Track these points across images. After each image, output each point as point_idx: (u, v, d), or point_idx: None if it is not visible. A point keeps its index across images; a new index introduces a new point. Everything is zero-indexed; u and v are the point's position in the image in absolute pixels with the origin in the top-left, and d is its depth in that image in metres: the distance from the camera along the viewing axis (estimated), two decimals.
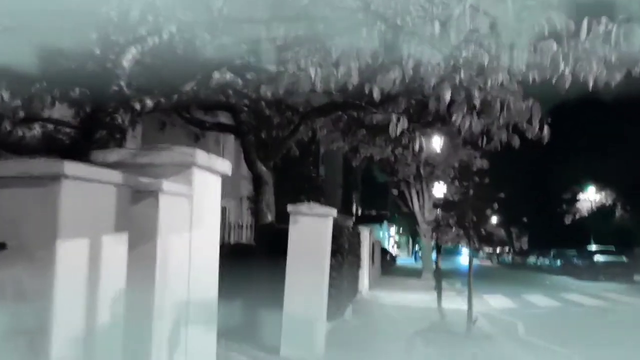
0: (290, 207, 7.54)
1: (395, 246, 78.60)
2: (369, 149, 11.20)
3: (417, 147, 6.84)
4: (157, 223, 2.97)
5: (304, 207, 7.59)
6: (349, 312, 11.42)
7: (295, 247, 7.48)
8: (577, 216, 41.37)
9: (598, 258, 29.87)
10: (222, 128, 8.77)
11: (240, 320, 7.94)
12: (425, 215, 26.28)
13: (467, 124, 5.52)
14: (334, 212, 7.71)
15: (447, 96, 4.86)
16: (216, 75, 4.56)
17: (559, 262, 37.02)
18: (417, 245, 64.99)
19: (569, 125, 45.92)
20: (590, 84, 4.11)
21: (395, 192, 23.67)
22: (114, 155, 3.29)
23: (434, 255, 26.80)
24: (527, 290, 21.23)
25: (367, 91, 6.69)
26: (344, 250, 8.20)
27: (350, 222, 10.54)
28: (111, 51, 4.07)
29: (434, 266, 24.78)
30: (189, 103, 7.31)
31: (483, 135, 9.31)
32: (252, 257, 8.35)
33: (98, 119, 4.09)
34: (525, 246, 57.76)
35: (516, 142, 8.09)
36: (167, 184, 3.07)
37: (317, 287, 7.46)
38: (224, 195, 3.83)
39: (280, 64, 5.00)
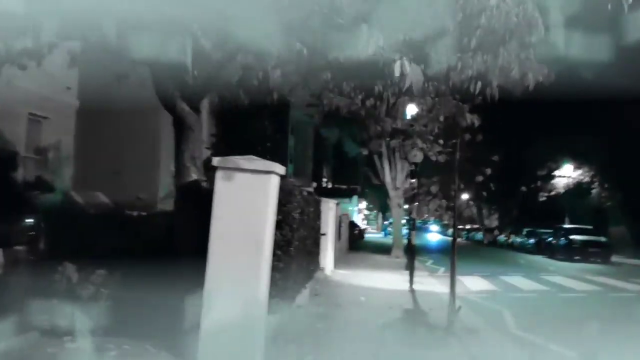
0: (217, 160, 5.40)
1: (365, 220, 77.54)
2: (334, 99, 9.05)
3: (397, 73, 4.77)
4: None
5: (238, 159, 5.46)
6: (305, 296, 9.41)
7: (222, 216, 5.36)
8: (552, 194, 40.02)
9: (575, 237, 28.48)
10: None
11: (150, 318, 5.85)
12: (397, 187, 24.38)
13: None
14: (280, 168, 5.60)
15: None
16: None
17: (532, 241, 35.81)
18: (386, 220, 63.74)
19: (547, 99, 44.38)
20: None
21: (365, 151, 21.17)
22: None
23: (404, 230, 25.05)
24: (504, 270, 19.66)
25: None
26: (294, 221, 6.12)
27: (307, 187, 8.49)
28: None
29: (404, 242, 23.03)
30: None
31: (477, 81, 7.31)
32: (168, 229, 6.26)
33: None
34: (495, 223, 56.63)
35: (529, 81, 6.10)
36: None
37: (253, 270, 5.38)
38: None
39: None
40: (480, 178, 11.37)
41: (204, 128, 7.00)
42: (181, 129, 6.31)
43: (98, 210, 12.91)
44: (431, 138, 13.69)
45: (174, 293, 5.87)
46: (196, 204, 5.94)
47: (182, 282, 5.84)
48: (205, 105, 7.15)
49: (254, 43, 6.67)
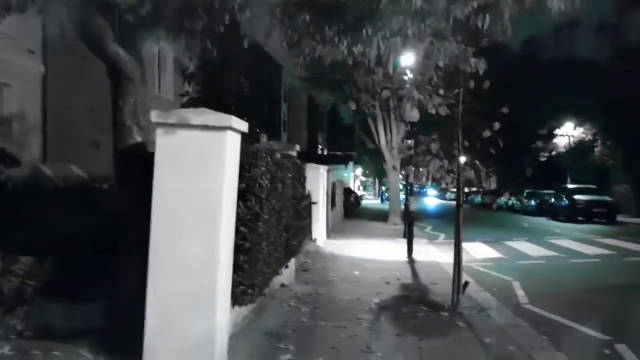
0: (155, 114, 4.20)
1: (361, 187, 76.68)
2: (316, 47, 7.75)
3: None
4: None
5: (184, 112, 4.26)
6: (290, 274, 8.32)
7: (165, 186, 4.19)
8: (553, 153, 38.80)
9: (579, 197, 27.42)
10: None
11: (85, 318, 4.73)
12: (392, 148, 23.17)
13: None
14: (239, 123, 4.39)
15: None
16: None
17: (533, 203, 34.78)
18: (383, 186, 62.80)
19: (547, 55, 42.88)
20: None
21: (353, 106, 19.56)
22: None
23: (401, 195, 23.91)
24: (508, 234, 18.60)
25: None
26: (262, 190, 4.94)
27: (286, 150, 7.32)
28: None
29: (402, 208, 21.95)
30: None
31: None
32: (107, 203, 5.10)
33: None
34: (494, 185, 55.56)
35: (554, 4, 4.87)
36: None
37: (209, 254, 4.23)
38: None
39: None
40: (487, 133, 10.14)
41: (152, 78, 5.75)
42: (118, 79, 5.07)
43: (65, 184, 11.72)
44: (429, 88, 12.33)
45: (115, 284, 4.74)
46: (141, 173, 4.72)
47: (124, 271, 4.70)
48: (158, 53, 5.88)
49: None
